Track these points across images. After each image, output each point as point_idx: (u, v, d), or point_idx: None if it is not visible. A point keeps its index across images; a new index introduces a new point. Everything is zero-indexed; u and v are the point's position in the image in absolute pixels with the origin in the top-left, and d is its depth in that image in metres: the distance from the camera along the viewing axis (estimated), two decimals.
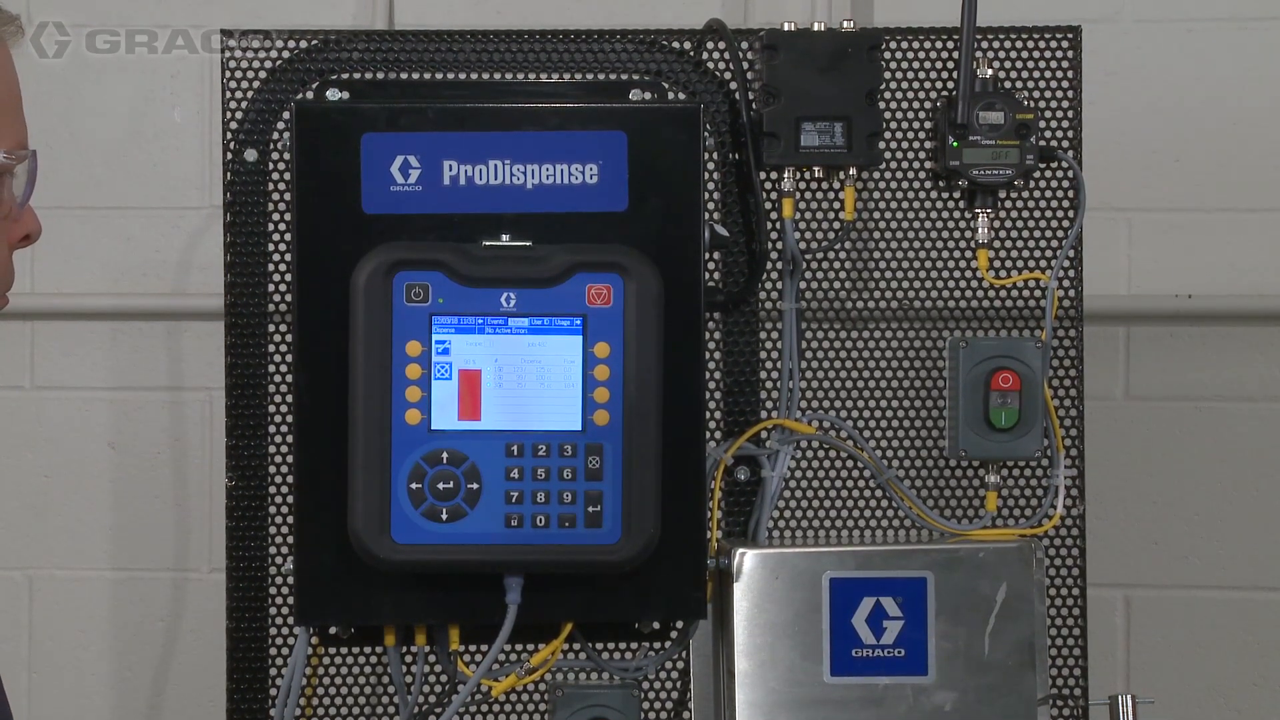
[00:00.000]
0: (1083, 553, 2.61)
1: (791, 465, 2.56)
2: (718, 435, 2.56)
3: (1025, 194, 2.60)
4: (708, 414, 2.47)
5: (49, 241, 3.02)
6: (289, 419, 2.50)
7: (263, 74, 2.53)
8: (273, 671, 2.55)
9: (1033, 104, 2.57)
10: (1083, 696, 2.60)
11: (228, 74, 2.54)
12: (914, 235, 2.61)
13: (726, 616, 2.43)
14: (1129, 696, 2.53)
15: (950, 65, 2.58)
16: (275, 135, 2.50)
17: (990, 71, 2.54)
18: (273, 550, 2.53)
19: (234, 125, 2.52)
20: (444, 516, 2.27)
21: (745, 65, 2.53)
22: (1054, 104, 2.61)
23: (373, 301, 2.27)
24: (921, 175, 2.60)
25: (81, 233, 3.27)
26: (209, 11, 3.21)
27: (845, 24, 2.53)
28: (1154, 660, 3.23)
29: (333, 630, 2.44)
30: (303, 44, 2.54)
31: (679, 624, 2.47)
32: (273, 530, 2.53)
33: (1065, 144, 2.60)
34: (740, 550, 2.43)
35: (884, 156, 2.57)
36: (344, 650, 2.55)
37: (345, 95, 2.41)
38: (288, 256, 2.49)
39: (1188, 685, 3.23)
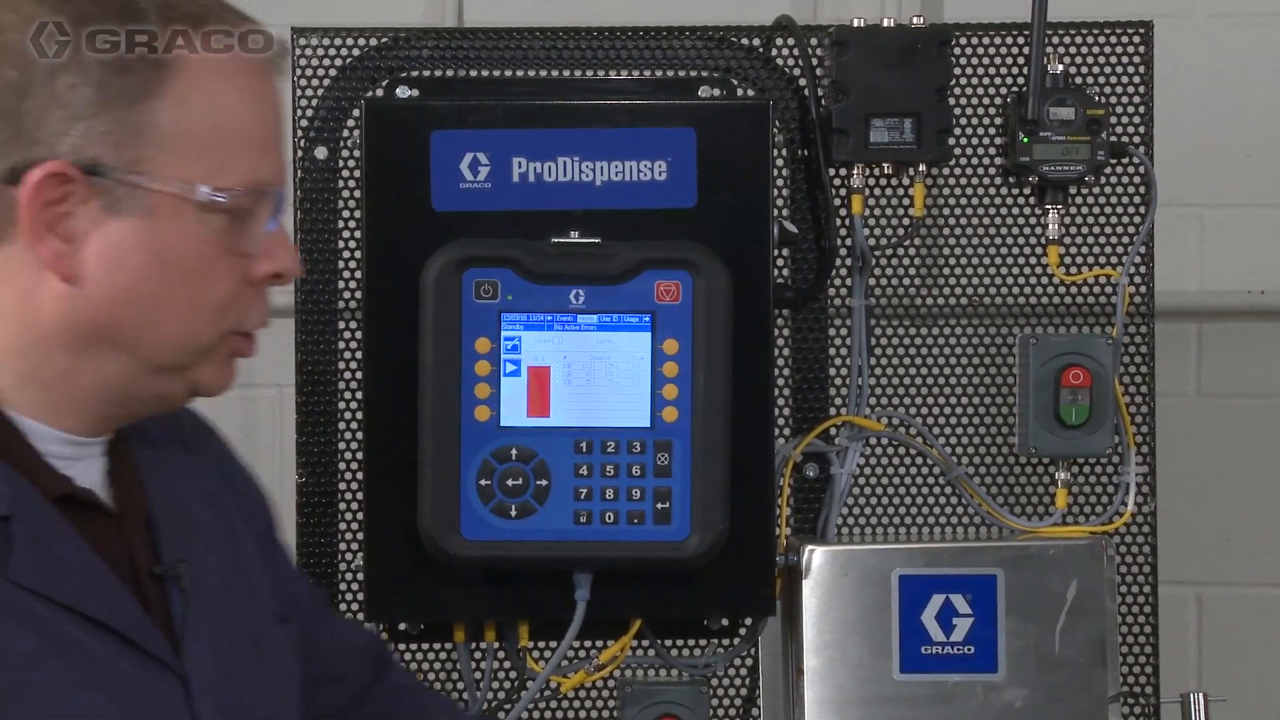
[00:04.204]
0: (1154, 550, 2.59)
1: (860, 462, 2.56)
2: (786, 432, 2.55)
3: (1096, 190, 2.59)
4: (776, 411, 2.47)
5: None
6: (359, 415, 2.51)
7: (333, 72, 2.54)
8: None
9: (1103, 99, 2.56)
10: (1154, 694, 2.58)
11: (298, 72, 2.55)
12: (984, 231, 2.60)
13: (795, 613, 2.42)
14: (1200, 694, 2.52)
15: (1020, 61, 2.57)
16: (345, 133, 2.51)
17: (1061, 67, 2.53)
18: (342, 546, 2.54)
19: (304, 123, 2.53)
20: (513, 513, 2.28)
21: (814, 61, 2.53)
22: (1125, 99, 2.59)
23: (442, 298, 2.28)
24: (991, 171, 2.59)
25: None
26: (280, 9, 3.21)
27: (915, 20, 2.52)
28: (1226, 658, 3.22)
29: (402, 626, 2.45)
30: (372, 42, 2.55)
31: (748, 621, 2.47)
32: (342, 526, 2.54)
33: (1136, 140, 2.59)
34: (809, 547, 2.43)
35: (954, 152, 2.56)
36: (413, 646, 2.56)
37: (415, 93, 2.42)
38: (358, 253, 2.50)
39: (1260, 683, 3.21)
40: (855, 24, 2.51)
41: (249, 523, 1.80)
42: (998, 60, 2.58)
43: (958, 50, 2.56)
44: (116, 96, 1.50)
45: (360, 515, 2.50)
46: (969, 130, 2.58)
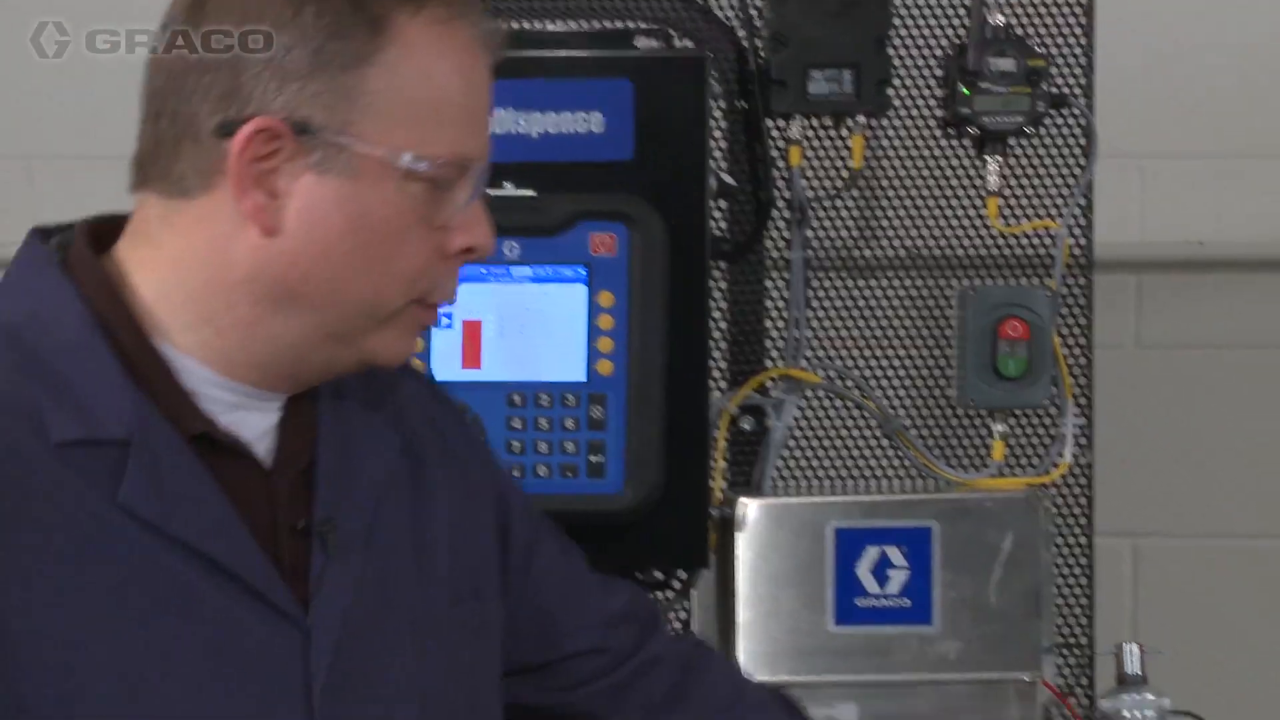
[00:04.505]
0: (1090, 501, 2.61)
1: (797, 415, 2.56)
2: (722, 385, 2.55)
3: (1036, 141, 2.59)
4: (712, 363, 2.47)
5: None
6: None
7: None
8: None
9: (1044, 50, 2.55)
10: (1089, 646, 2.60)
11: None
12: (923, 183, 2.60)
13: (729, 567, 2.43)
14: (1135, 645, 2.52)
15: (961, 11, 2.57)
16: None
17: (1001, 18, 2.52)
18: None
19: None
20: None
21: (753, 12, 2.52)
22: (1066, 50, 2.59)
23: None
24: (931, 122, 2.59)
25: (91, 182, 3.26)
26: None
27: None
28: (1162, 610, 3.23)
29: None
30: None
31: (682, 574, 2.47)
32: None
33: (1077, 90, 2.59)
34: (744, 500, 2.43)
35: (893, 104, 2.55)
36: None
37: None
38: None
39: (1196, 635, 3.22)
40: None
41: (457, 486, 1.74)
42: (938, 11, 2.58)
43: (898, 1, 2.56)
44: (331, 61, 1.53)
45: None
46: (909, 82, 2.58)
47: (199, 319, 1.56)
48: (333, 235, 1.54)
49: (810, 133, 2.54)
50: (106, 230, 1.61)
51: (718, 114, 2.52)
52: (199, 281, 1.56)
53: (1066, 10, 2.59)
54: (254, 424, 1.59)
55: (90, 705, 1.48)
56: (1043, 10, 2.59)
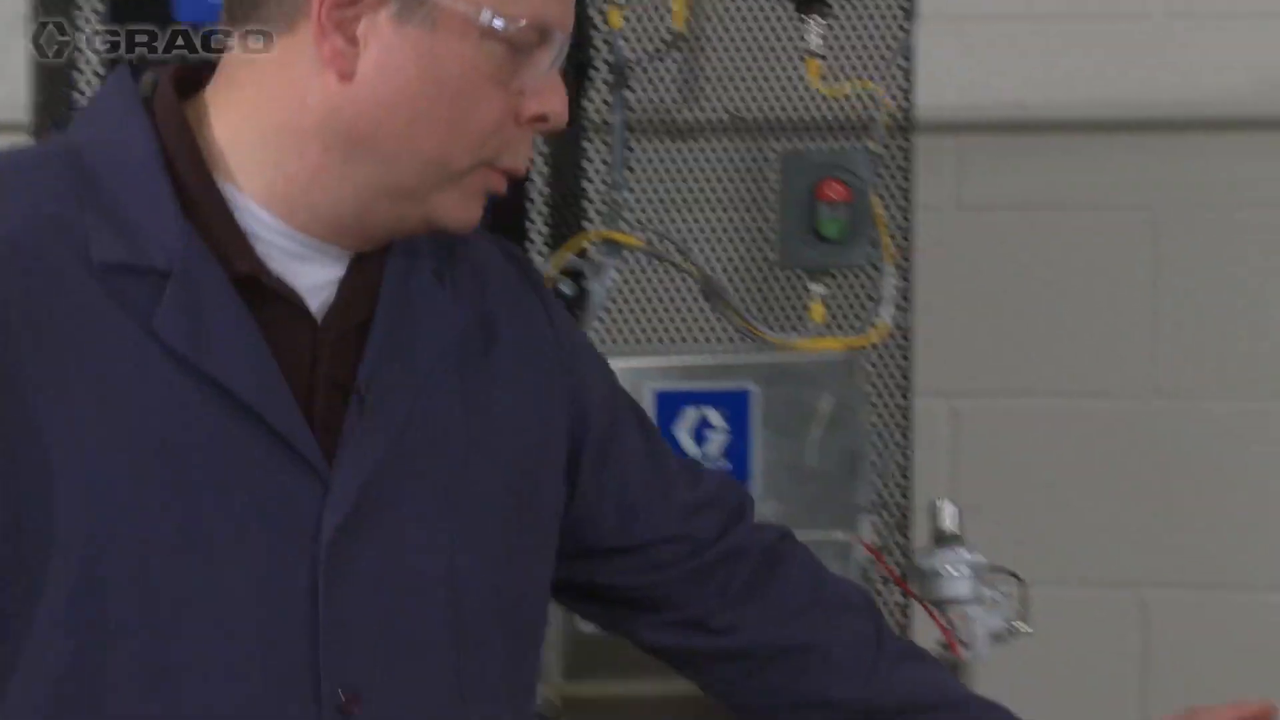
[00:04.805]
0: (909, 362, 2.62)
1: (616, 277, 2.55)
2: (542, 248, 2.54)
3: (857, 2, 2.58)
4: (531, 226, 2.46)
5: None
6: None
7: None
8: None
9: None
10: (907, 506, 2.62)
11: None
12: (744, 45, 2.59)
13: None
14: (949, 502, 2.54)
15: None
16: None
17: None
18: None
19: None
20: None
21: None
22: None
23: None
24: None
25: None
26: None
27: None
28: (979, 469, 3.27)
29: None
30: None
31: None
32: None
33: None
34: None
35: None
36: None
37: None
38: (100, 69, 2.44)
39: (1013, 494, 3.27)
40: None
41: (529, 368, 1.72)
42: None
43: None
44: None
45: None
46: None
47: (268, 162, 1.57)
48: (406, 85, 1.56)
49: None
50: (200, 76, 1.62)
51: None
52: (272, 124, 1.57)
53: None
54: (313, 275, 1.59)
55: (99, 532, 1.49)
56: None
